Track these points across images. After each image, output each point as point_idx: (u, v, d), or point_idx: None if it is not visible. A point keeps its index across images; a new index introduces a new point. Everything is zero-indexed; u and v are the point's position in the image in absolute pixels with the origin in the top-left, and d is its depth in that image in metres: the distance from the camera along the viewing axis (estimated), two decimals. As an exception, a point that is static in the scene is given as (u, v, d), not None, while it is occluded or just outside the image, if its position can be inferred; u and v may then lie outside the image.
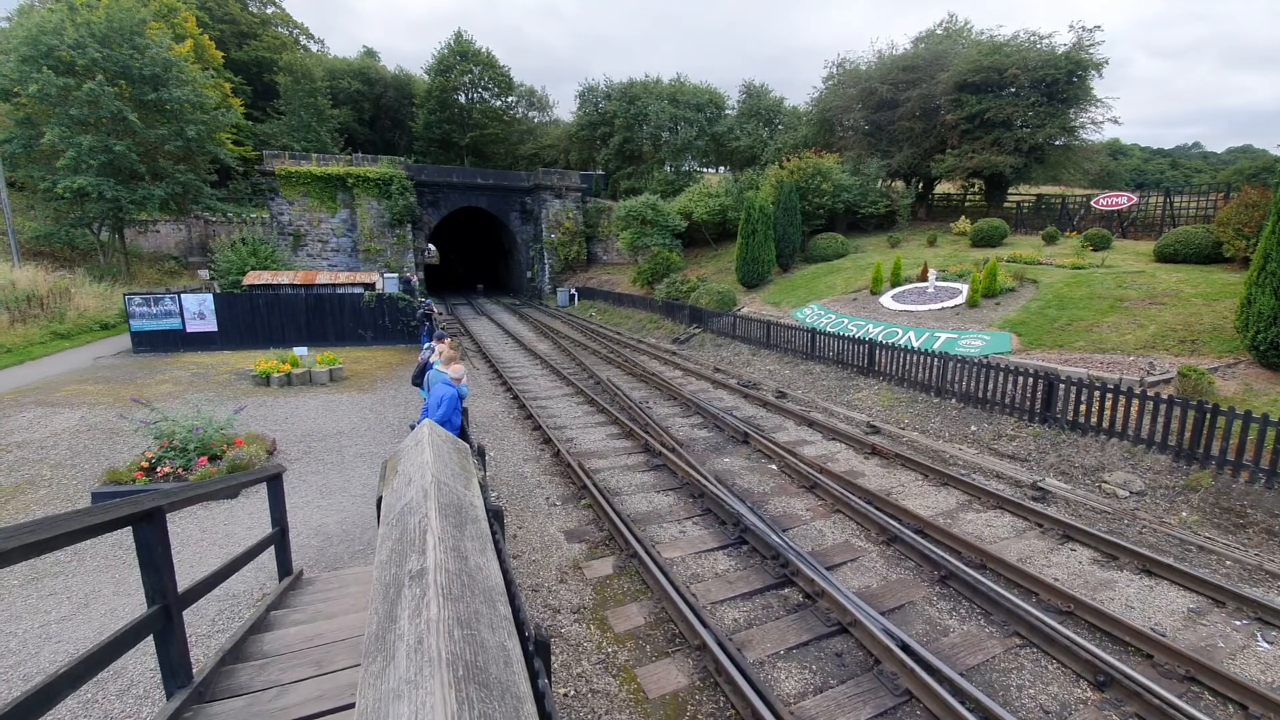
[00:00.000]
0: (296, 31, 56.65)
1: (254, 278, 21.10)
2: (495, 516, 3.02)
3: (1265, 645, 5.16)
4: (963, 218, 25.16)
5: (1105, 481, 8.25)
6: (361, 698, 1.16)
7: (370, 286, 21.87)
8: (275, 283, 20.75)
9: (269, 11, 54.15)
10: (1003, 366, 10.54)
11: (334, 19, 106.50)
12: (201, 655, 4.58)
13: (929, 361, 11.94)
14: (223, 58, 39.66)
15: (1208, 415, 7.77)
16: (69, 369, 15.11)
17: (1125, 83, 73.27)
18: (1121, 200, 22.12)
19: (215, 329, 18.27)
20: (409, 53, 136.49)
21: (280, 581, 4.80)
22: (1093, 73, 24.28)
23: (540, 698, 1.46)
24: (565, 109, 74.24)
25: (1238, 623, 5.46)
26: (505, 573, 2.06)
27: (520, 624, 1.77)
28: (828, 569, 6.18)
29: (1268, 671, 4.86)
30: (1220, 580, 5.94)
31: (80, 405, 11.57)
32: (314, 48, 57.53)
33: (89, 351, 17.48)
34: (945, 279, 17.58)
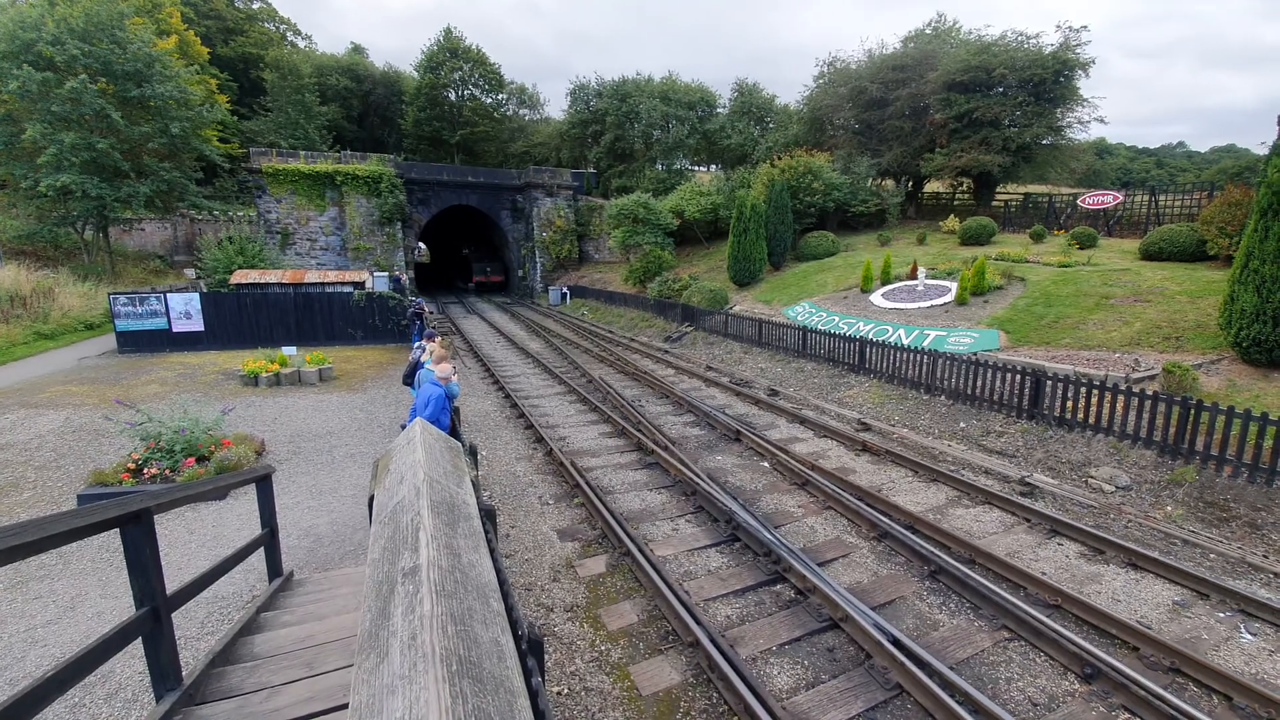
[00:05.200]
0: (284, 27, 56.08)
1: (241, 276, 20.89)
2: (487, 515, 3.02)
3: (1248, 637, 5.25)
4: (951, 216, 25.37)
5: (1092, 476, 8.36)
6: (356, 694, 1.15)
7: (360, 285, 21.72)
8: (263, 281, 20.56)
9: (255, 7, 53.58)
10: (991, 364, 10.64)
11: (310, 15, 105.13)
12: (191, 658, 4.54)
13: (919, 359, 12.03)
14: (208, 54, 39.22)
15: (1192, 411, 7.88)
16: (53, 370, 14.88)
17: (1106, 82, 73.87)
18: (1107, 199, 22.38)
19: (202, 329, 18.07)
20: (389, 49, 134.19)
21: (270, 583, 4.76)
22: (1079, 72, 24.54)
23: (534, 695, 1.46)
24: (552, 106, 73.81)
25: (1222, 615, 5.55)
26: (498, 571, 2.06)
27: (514, 622, 1.77)
28: (819, 565, 6.22)
29: (1251, 663, 4.94)
30: (1205, 573, 6.03)
31: (65, 406, 11.41)
32: (301, 44, 56.97)
33: (73, 352, 17.23)
34: (934, 277, 17.73)
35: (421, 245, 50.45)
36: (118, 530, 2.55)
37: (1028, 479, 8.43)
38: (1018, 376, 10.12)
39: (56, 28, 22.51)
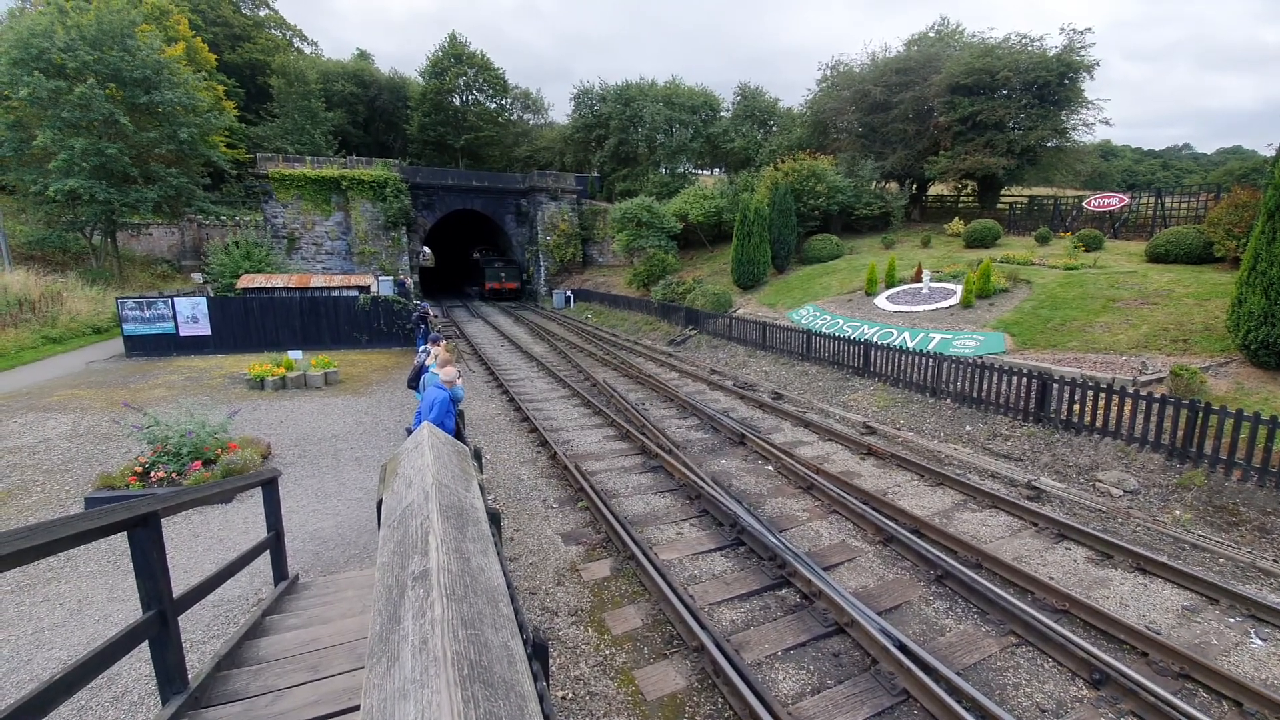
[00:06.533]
0: (290, 34, 56.55)
1: (247, 281, 20.97)
2: (492, 519, 3.02)
3: (1258, 642, 5.20)
4: (956, 219, 25.30)
5: (1099, 480, 8.31)
6: (367, 698, 1.16)
7: (365, 289, 21.78)
8: (269, 286, 20.64)
9: (262, 14, 54.06)
10: (997, 366, 10.59)
11: (313, 20, 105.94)
12: (197, 661, 4.55)
13: (924, 362, 11.98)
14: (216, 60, 39.55)
15: (1200, 414, 7.83)
16: (61, 374, 14.99)
17: (1107, 84, 73.42)
18: (1113, 201, 22.31)
19: (209, 333, 18.15)
20: (390, 52, 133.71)
21: (276, 586, 4.77)
22: (1083, 74, 24.50)
23: (539, 699, 1.46)
24: (555, 110, 73.46)
25: (1231, 620, 5.50)
26: (504, 575, 2.06)
27: (519, 626, 1.77)
28: (825, 569, 6.19)
29: (1261, 668, 4.89)
30: (1214, 578, 5.98)
31: (72, 410, 11.48)
32: (308, 50, 57.43)
33: (81, 356, 17.35)
34: (939, 280, 17.67)
35: (426, 249, 50.57)
36: (125, 533, 2.56)
37: (1034, 483, 8.38)
38: (1024, 380, 10.07)
39: (68, 34, 22.78)
